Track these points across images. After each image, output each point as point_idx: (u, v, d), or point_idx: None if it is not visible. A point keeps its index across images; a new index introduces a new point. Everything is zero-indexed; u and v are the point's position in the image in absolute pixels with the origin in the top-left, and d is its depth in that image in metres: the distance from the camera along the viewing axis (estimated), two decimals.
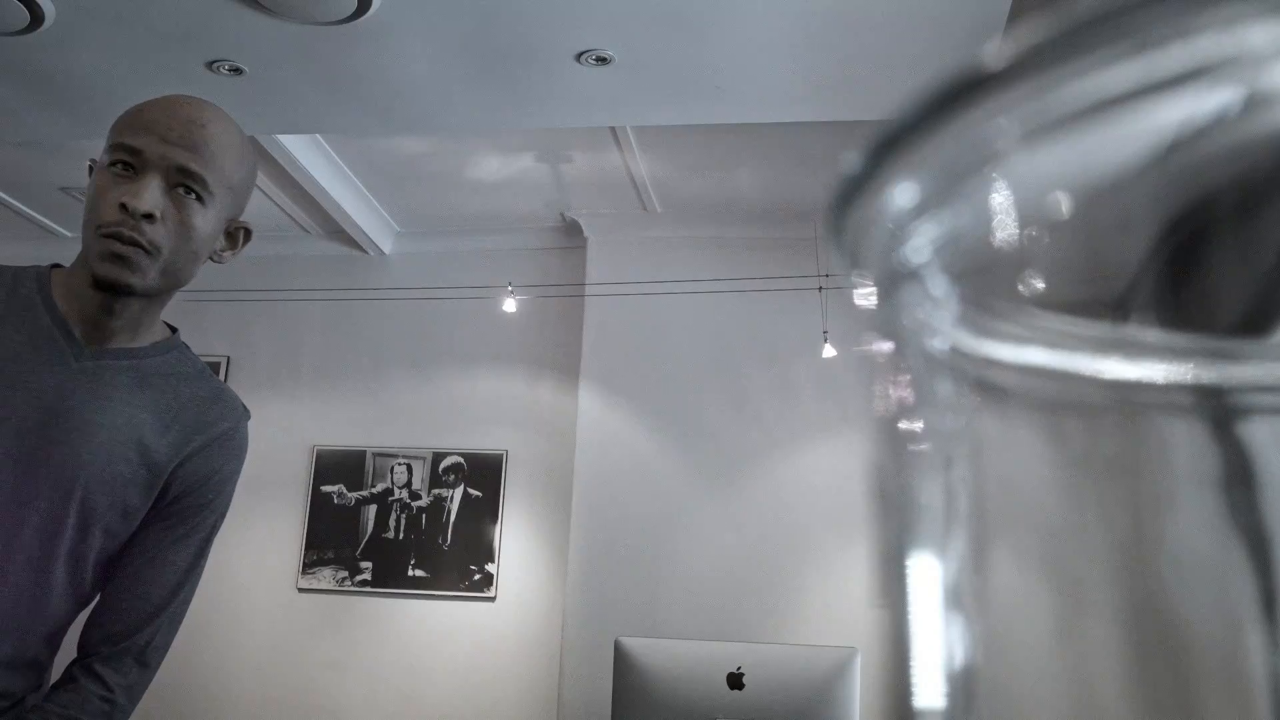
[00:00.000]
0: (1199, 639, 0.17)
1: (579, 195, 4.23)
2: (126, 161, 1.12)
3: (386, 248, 4.69)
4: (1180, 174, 0.15)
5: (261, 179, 4.15)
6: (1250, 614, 0.16)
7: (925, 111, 0.16)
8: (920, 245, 0.18)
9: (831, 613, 3.79)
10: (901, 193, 0.18)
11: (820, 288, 3.93)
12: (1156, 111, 0.14)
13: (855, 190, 0.18)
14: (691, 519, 3.99)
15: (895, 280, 0.19)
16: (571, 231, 4.48)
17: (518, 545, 4.29)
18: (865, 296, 0.20)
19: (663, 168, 3.94)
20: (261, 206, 4.45)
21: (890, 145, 0.17)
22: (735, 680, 2.25)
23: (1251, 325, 0.17)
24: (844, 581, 3.82)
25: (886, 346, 0.20)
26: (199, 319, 4.77)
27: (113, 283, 1.12)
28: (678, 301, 4.14)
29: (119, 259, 1.11)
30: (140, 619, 1.22)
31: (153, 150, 1.12)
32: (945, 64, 0.15)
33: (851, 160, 0.18)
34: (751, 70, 2.82)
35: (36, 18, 2.62)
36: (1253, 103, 0.14)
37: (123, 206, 1.10)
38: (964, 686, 0.17)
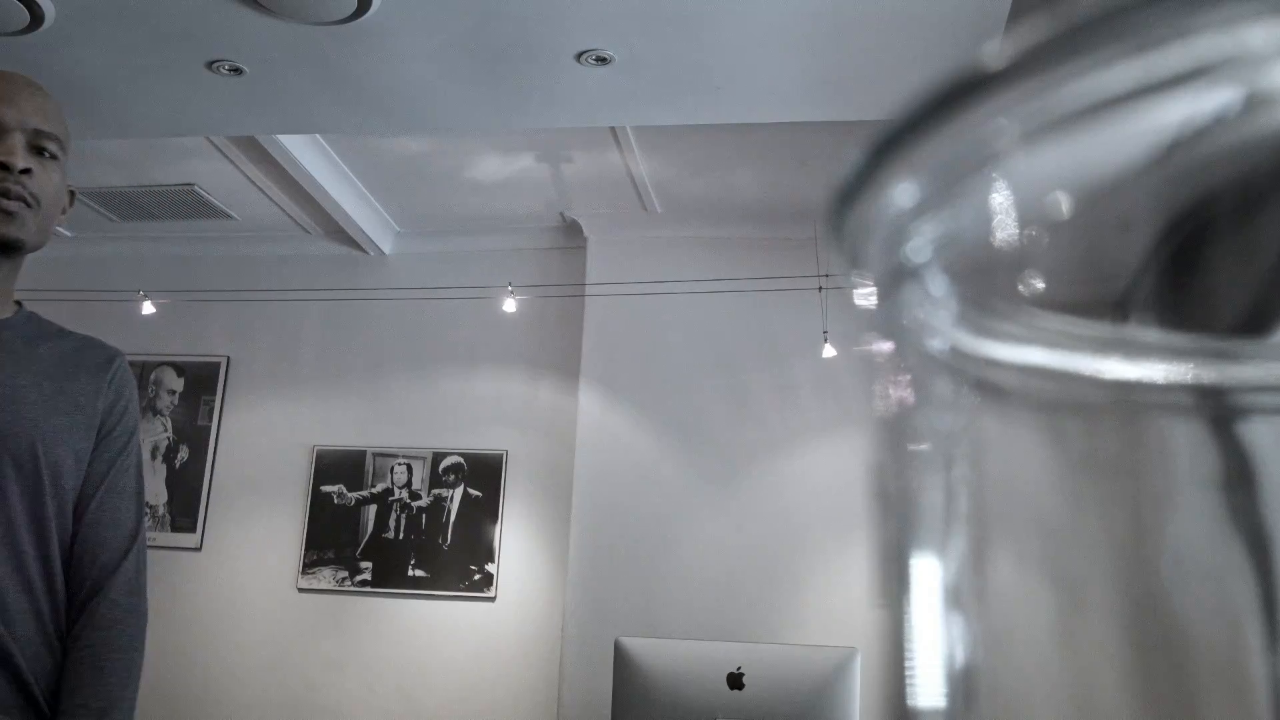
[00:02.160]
0: (1199, 639, 0.17)
1: (579, 195, 4.23)
2: None
3: (386, 248, 4.69)
4: (1180, 174, 0.15)
5: (261, 179, 4.16)
6: (1250, 614, 0.16)
7: (925, 111, 0.16)
8: (920, 245, 0.18)
9: (831, 613, 3.79)
10: (901, 193, 0.18)
11: (820, 288, 3.93)
12: (1156, 111, 0.14)
13: (855, 190, 0.18)
14: (691, 519, 3.99)
15: (895, 280, 0.19)
16: (571, 231, 4.48)
17: (518, 545, 4.29)
18: (865, 296, 0.20)
19: (663, 168, 3.94)
20: (261, 206, 4.45)
21: (890, 145, 0.17)
22: (735, 680, 2.25)
23: (1251, 325, 0.17)
24: (844, 581, 3.82)
25: (886, 346, 0.20)
26: (199, 319, 4.77)
27: (5, 240, 1.18)
28: (678, 301, 4.14)
29: (7, 215, 1.17)
30: (126, 546, 1.28)
31: (9, 116, 1.19)
32: (945, 64, 0.15)
33: (851, 160, 0.18)
34: (751, 70, 2.82)
35: (36, 18, 2.62)
36: (1253, 103, 0.14)
37: (1, 165, 1.16)
38: (964, 686, 0.17)
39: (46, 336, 1.32)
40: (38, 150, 1.21)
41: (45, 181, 1.22)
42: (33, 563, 1.19)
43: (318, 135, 3.81)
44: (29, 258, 1.29)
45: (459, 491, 4.37)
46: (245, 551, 4.45)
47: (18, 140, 1.19)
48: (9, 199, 1.17)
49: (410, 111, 3.11)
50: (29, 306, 1.35)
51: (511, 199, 4.30)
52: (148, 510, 4.61)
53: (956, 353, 0.18)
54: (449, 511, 4.37)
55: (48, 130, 1.22)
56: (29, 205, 1.19)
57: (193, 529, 4.54)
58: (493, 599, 4.24)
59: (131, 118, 3.20)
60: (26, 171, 1.18)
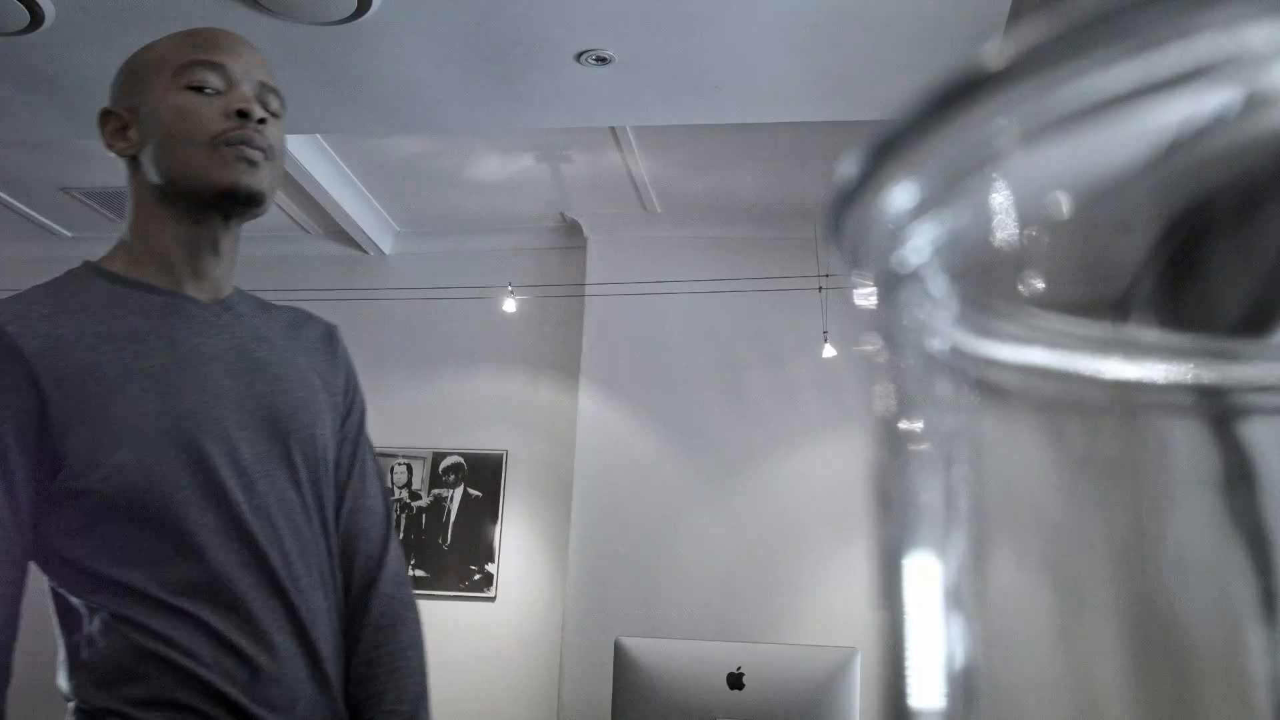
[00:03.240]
0: (1199, 639, 0.17)
1: (579, 195, 4.23)
2: (208, 80, 1.07)
3: (386, 248, 4.69)
4: (1180, 174, 0.15)
5: None
6: (1250, 614, 0.16)
7: (925, 111, 0.16)
8: (920, 245, 0.18)
9: (831, 613, 3.79)
10: (901, 193, 0.18)
11: (820, 288, 3.93)
12: (1156, 111, 0.14)
13: (855, 190, 0.18)
14: (691, 519, 3.98)
15: (895, 280, 0.19)
16: (571, 231, 4.48)
17: (518, 545, 4.29)
18: (865, 296, 0.20)
19: (663, 168, 3.94)
20: None
21: (890, 145, 0.17)
22: (735, 680, 2.25)
23: (1251, 325, 0.17)
24: (844, 581, 3.82)
25: (887, 346, 0.20)
26: None
27: (251, 190, 1.05)
28: (678, 301, 4.14)
29: (252, 165, 1.05)
30: (384, 534, 1.19)
31: (236, 65, 1.09)
32: (945, 64, 0.15)
33: (851, 160, 0.18)
34: (751, 70, 2.82)
35: (36, 18, 2.62)
36: (1253, 103, 0.14)
37: (240, 113, 1.05)
38: (964, 686, 0.17)
39: (268, 310, 1.19)
40: (265, 105, 1.11)
41: (277, 136, 1.11)
42: (325, 556, 1.10)
43: (318, 135, 3.81)
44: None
45: (459, 491, 4.37)
46: None
47: (250, 92, 1.08)
48: (251, 147, 1.05)
49: (410, 111, 3.11)
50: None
51: (511, 199, 4.30)
52: None
53: (956, 353, 0.18)
54: (449, 511, 4.37)
55: (273, 85, 1.13)
56: (268, 158, 1.08)
57: None
58: (493, 599, 4.24)
59: None
60: (263, 121, 1.07)
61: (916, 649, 0.18)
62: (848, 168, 0.18)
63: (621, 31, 2.63)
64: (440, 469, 4.41)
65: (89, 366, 1.00)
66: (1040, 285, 0.17)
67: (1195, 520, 0.17)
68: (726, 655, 2.29)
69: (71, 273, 1.10)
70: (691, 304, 4.14)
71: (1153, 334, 0.17)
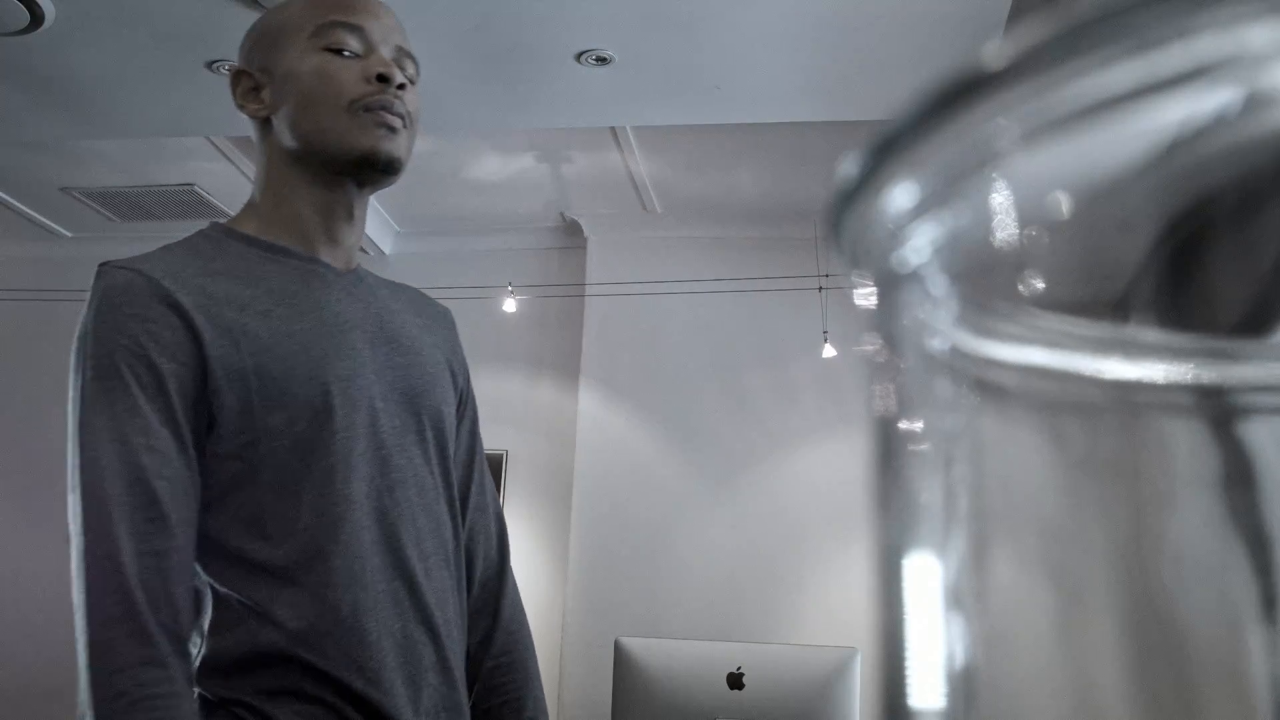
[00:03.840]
0: (1199, 639, 0.17)
1: (579, 195, 4.23)
2: (347, 42, 1.03)
3: (386, 248, 4.69)
4: (1180, 174, 0.15)
5: None
6: (1250, 614, 0.16)
7: (925, 112, 0.16)
8: (920, 245, 0.18)
9: (831, 613, 3.78)
10: (901, 193, 0.18)
11: (820, 288, 3.93)
12: (1156, 111, 0.14)
13: (855, 190, 0.18)
14: (692, 519, 3.98)
15: (895, 280, 0.19)
16: (571, 231, 4.48)
17: (518, 545, 4.26)
18: (865, 296, 0.20)
19: (663, 168, 3.94)
20: None
21: (890, 145, 0.17)
22: (735, 680, 2.25)
23: (1251, 325, 0.17)
24: (844, 581, 3.82)
25: (886, 346, 0.20)
26: None
27: (389, 157, 1.03)
28: (678, 301, 4.14)
29: (391, 130, 1.02)
30: (502, 536, 1.17)
31: (375, 29, 1.05)
32: (945, 64, 0.15)
33: (851, 160, 0.18)
34: (751, 70, 2.82)
35: (36, 18, 2.62)
36: (1253, 103, 0.14)
37: (380, 78, 1.01)
38: (964, 686, 0.17)
39: (389, 285, 1.15)
40: (401, 70, 1.06)
41: (414, 103, 1.07)
42: (452, 535, 1.06)
43: None
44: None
45: None
46: None
47: (388, 55, 1.05)
48: (391, 113, 1.02)
49: None
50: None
51: (511, 199, 4.30)
52: None
53: (956, 353, 0.18)
54: None
55: (409, 50, 1.09)
56: (405, 125, 1.05)
57: None
58: None
59: (131, 118, 3.20)
60: (402, 87, 1.04)
61: (916, 649, 0.18)
62: (848, 168, 0.18)
63: (621, 31, 2.63)
64: None
65: (241, 326, 0.96)
66: (1040, 285, 0.17)
67: (1195, 520, 0.17)
68: (726, 655, 2.29)
69: (202, 234, 1.06)
70: (691, 304, 4.14)
71: (1153, 334, 0.17)
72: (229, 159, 3.99)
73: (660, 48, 2.71)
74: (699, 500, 4.00)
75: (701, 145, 3.71)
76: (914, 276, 0.18)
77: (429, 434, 1.05)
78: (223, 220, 1.08)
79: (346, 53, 1.03)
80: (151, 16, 2.62)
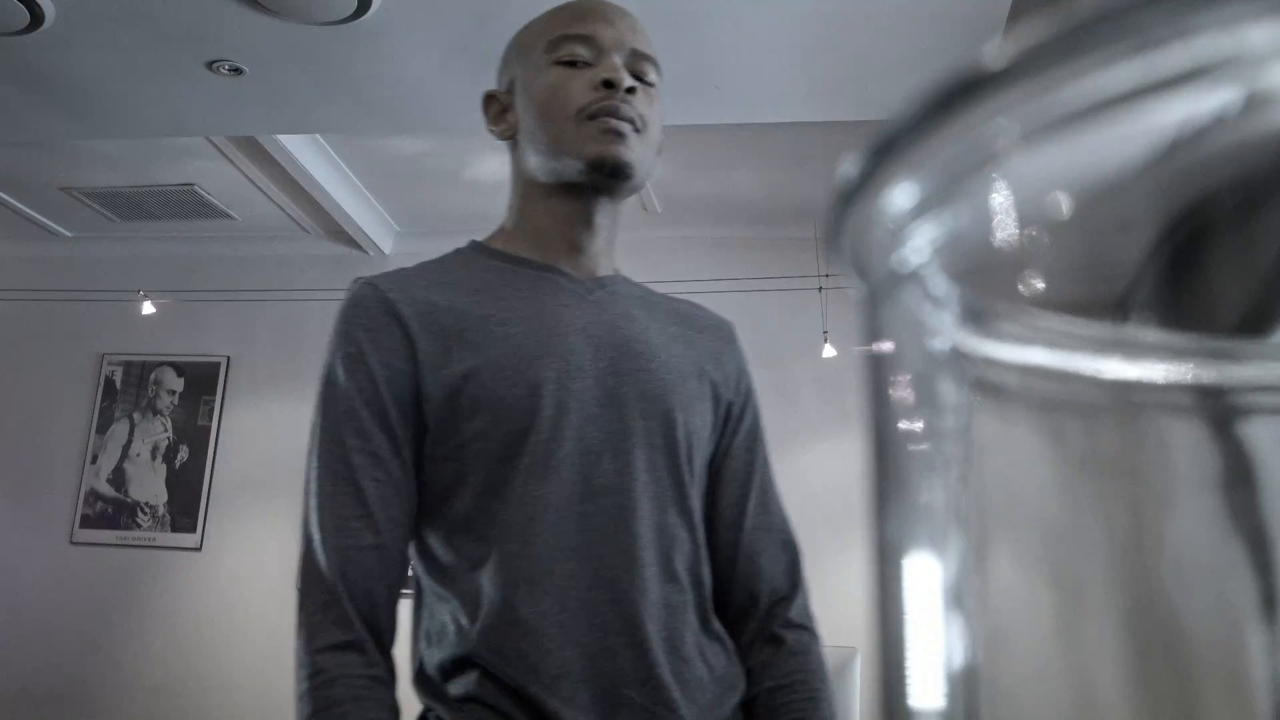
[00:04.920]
0: (1199, 639, 0.17)
1: None
2: (578, 53, 1.05)
3: (386, 248, 4.69)
4: (1180, 174, 0.15)
5: (261, 179, 4.15)
6: (1250, 614, 0.16)
7: (925, 112, 0.16)
8: (920, 245, 0.18)
9: (831, 613, 3.78)
10: (901, 193, 0.18)
11: (820, 288, 3.93)
12: (1156, 111, 0.14)
13: (855, 191, 0.18)
14: None
15: (895, 280, 0.19)
16: None
17: None
18: (865, 296, 0.20)
19: (663, 168, 3.94)
20: (261, 206, 4.45)
21: (890, 145, 0.17)
22: None
23: (1251, 325, 0.17)
24: (844, 581, 3.82)
25: (886, 346, 0.20)
26: (199, 319, 4.77)
27: (616, 161, 1.01)
28: None
29: (618, 135, 1.01)
30: (791, 560, 1.12)
31: (606, 35, 1.05)
32: (945, 64, 0.15)
33: (851, 160, 0.18)
34: (751, 70, 2.82)
35: (36, 18, 2.62)
36: (1253, 103, 0.14)
37: (606, 84, 1.01)
38: (964, 686, 0.17)
39: (652, 297, 1.15)
40: (636, 75, 1.06)
41: (648, 107, 1.05)
42: (681, 545, 1.01)
43: (318, 135, 3.81)
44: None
45: None
46: (245, 551, 4.45)
47: (619, 62, 1.04)
48: (617, 118, 1.01)
49: (410, 111, 3.11)
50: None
51: None
52: (147, 511, 4.62)
53: (956, 353, 0.18)
54: None
55: (645, 51, 1.07)
56: (636, 129, 1.03)
57: (193, 529, 4.53)
58: None
59: (131, 118, 3.20)
60: (631, 91, 1.02)
61: (916, 649, 0.18)
62: (848, 168, 0.18)
63: None
64: None
65: (457, 332, 1.00)
66: (1040, 285, 0.17)
67: (1195, 520, 0.17)
68: None
69: (458, 250, 1.12)
70: None
71: (1153, 334, 0.17)
72: (229, 159, 3.99)
73: (660, 48, 2.71)
74: None
75: (701, 145, 3.72)
76: (914, 276, 0.18)
77: (657, 440, 1.02)
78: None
79: (579, 63, 1.05)
80: (151, 16, 2.62)
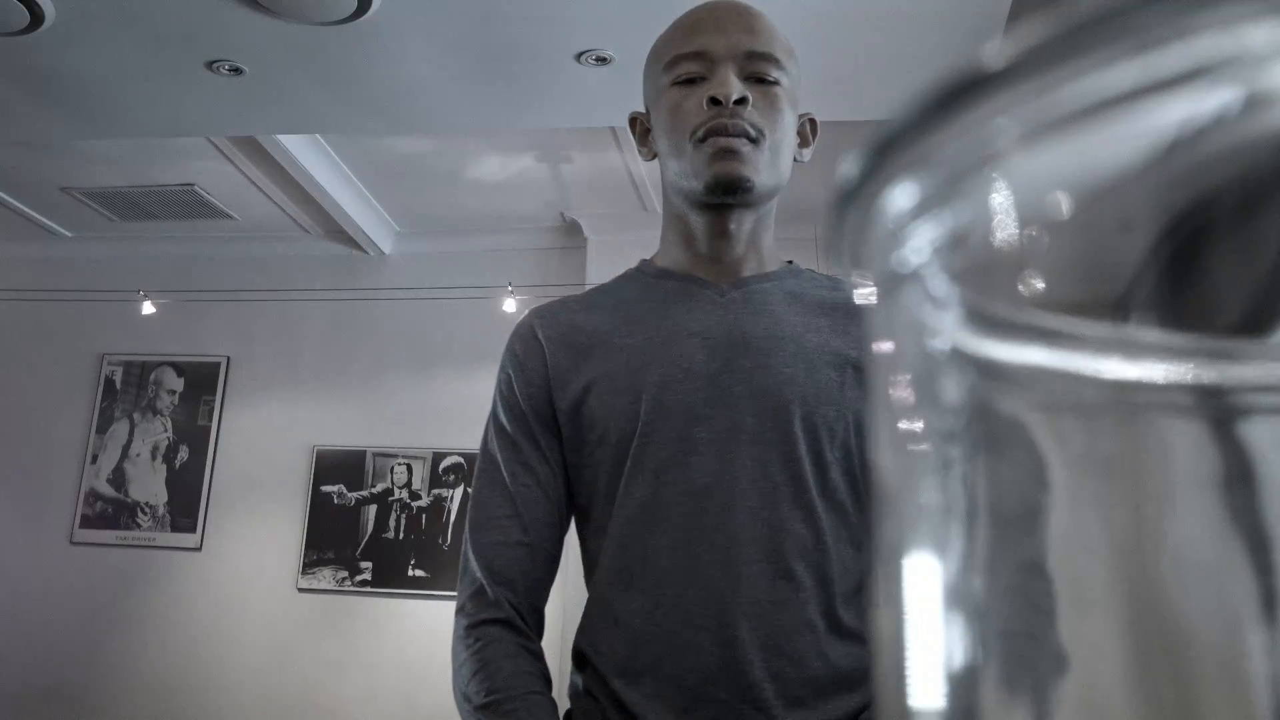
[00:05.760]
0: (1199, 639, 0.17)
1: (579, 195, 4.23)
2: (691, 70, 1.06)
3: (386, 248, 4.69)
4: (1180, 174, 0.15)
5: (261, 179, 4.16)
6: (1250, 614, 0.16)
7: (925, 111, 0.16)
8: (920, 245, 0.18)
9: None
10: (901, 193, 0.18)
11: None
12: (1156, 111, 0.14)
13: (855, 190, 0.18)
14: None
15: (895, 280, 0.19)
16: (571, 231, 4.48)
17: None
18: (865, 296, 0.20)
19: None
20: (261, 206, 4.45)
21: (890, 145, 0.17)
22: None
23: (1251, 325, 0.17)
24: None
25: (886, 346, 0.20)
26: (199, 319, 4.77)
27: (730, 180, 1.02)
28: None
29: (729, 153, 1.02)
30: None
31: (716, 45, 1.05)
32: (945, 63, 0.15)
33: (851, 160, 0.18)
34: None
35: (36, 18, 2.62)
36: (1253, 103, 0.14)
37: (713, 100, 1.02)
38: (964, 686, 0.17)
39: (811, 287, 1.14)
40: (754, 77, 1.05)
41: (767, 109, 1.04)
42: (802, 542, 0.99)
43: (318, 135, 3.81)
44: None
45: (459, 491, 4.37)
46: (245, 551, 4.45)
47: (728, 73, 1.03)
48: (726, 135, 1.02)
49: (410, 111, 3.11)
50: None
51: (511, 199, 4.30)
52: (147, 511, 4.63)
53: (957, 353, 0.18)
54: (449, 511, 4.37)
55: (761, 50, 1.05)
56: (751, 140, 1.03)
57: (193, 529, 4.54)
58: None
59: (131, 118, 3.20)
60: (742, 101, 1.02)
61: (916, 649, 0.18)
62: (848, 167, 0.18)
63: (621, 31, 2.63)
64: (440, 469, 4.41)
65: (586, 349, 1.08)
66: (1040, 285, 0.17)
67: (1195, 520, 0.17)
68: None
69: (628, 269, 1.20)
70: None
71: (1153, 334, 0.17)
72: (229, 159, 3.99)
73: None
74: None
75: None
76: (914, 276, 0.18)
77: (769, 435, 1.01)
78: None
79: (695, 80, 1.06)
80: (151, 16, 2.62)
